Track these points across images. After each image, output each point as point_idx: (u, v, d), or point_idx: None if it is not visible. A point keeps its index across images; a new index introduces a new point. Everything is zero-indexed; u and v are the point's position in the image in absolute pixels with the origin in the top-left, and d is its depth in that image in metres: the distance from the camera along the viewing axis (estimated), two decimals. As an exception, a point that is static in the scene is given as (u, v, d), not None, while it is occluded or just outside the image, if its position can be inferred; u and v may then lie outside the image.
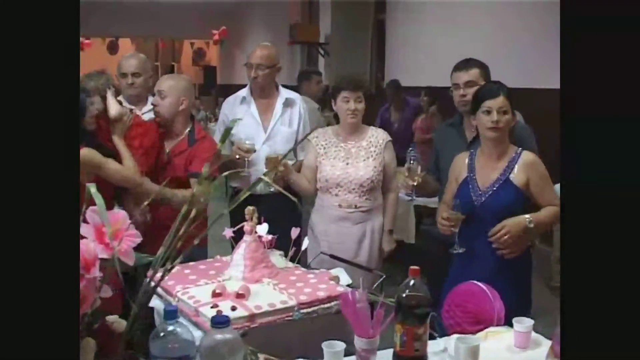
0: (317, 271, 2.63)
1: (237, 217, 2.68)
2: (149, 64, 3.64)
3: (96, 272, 1.26)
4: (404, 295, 1.74)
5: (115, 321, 1.44)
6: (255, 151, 3.39)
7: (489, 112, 2.65)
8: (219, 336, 1.35)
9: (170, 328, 1.35)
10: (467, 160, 2.81)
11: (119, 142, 2.96)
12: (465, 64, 3.09)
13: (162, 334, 1.34)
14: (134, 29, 16.05)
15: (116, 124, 2.97)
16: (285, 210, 2.89)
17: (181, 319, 2.24)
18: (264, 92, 3.66)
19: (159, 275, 1.41)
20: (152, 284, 1.40)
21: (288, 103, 3.69)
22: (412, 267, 1.78)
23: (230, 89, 3.70)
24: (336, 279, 2.53)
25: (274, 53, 3.65)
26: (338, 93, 3.26)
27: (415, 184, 2.89)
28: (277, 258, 2.71)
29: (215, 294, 2.30)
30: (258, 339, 2.12)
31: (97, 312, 1.33)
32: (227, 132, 1.45)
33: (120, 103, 3.08)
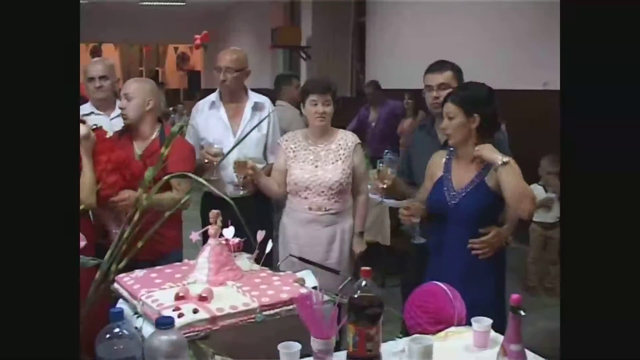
0: (282, 274, 2.64)
1: (207, 221, 2.68)
2: (114, 69, 3.68)
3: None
4: (355, 296, 1.76)
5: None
6: (223, 155, 3.41)
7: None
8: (163, 337, 1.37)
9: (116, 330, 1.37)
10: (444, 160, 2.83)
11: (85, 161, 2.94)
12: (439, 66, 3.11)
13: (107, 336, 1.35)
14: (118, 34, 16.02)
15: (83, 142, 2.96)
16: (255, 214, 2.90)
17: (145, 322, 2.30)
18: (233, 96, 3.68)
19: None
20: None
21: (257, 107, 3.72)
22: (363, 267, 1.80)
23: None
24: (301, 281, 2.54)
25: (242, 56, 3.68)
26: (306, 96, 3.28)
27: (384, 186, 2.91)
28: (244, 261, 2.72)
29: (178, 297, 2.30)
30: (220, 342, 2.14)
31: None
32: (174, 135, 1.46)
33: (83, 122, 3.06)
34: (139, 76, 19.78)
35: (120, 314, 1.40)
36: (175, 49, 18.79)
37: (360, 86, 9.64)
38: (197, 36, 11.40)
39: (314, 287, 2.53)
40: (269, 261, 2.79)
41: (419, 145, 3.22)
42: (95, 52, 17.28)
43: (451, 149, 2.84)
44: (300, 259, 2.99)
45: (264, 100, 3.80)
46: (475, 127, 2.69)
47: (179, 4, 13.83)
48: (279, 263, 2.97)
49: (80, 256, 1.35)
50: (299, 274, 2.62)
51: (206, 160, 3.38)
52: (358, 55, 10.15)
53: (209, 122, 3.69)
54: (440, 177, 2.80)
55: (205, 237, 2.67)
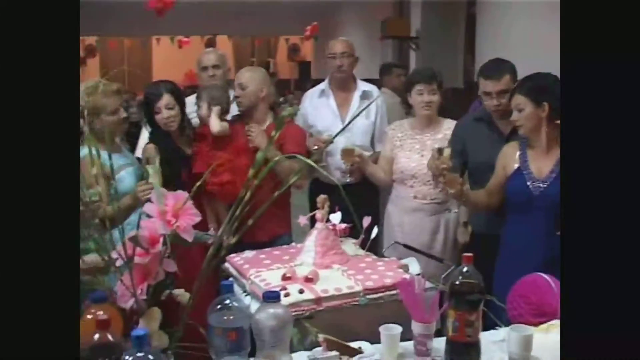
0: (386, 259, 2.69)
1: (315, 207, 2.78)
2: (226, 58, 3.84)
3: (159, 247, 1.37)
4: (456, 282, 1.78)
5: (180, 294, 1.56)
6: (332, 142, 3.48)
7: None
8: (270, 310, 1.44)
9: (227, 301, 1.45)
10: (517, 151, 2.81)
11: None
12: (496, 71, 3.03)
13: (218, 307, 1.44)
14: (231, 27, 16.47)
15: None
16: (362, 200, 2.95)
17: (253, 300, 2.41)
18: (342, 85, 3.76)
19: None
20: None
21: (366, 95, 3.78)
22: (465, 254, 1.81)
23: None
24: (405, 267, 2.58)
25: (352, 44, 3.78)
26: (412, 86, 3.30)
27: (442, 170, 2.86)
28: (349, 246, 2.79)
29: (285, 278, 2.41)
30: (324, 322, 2.22)
31: (161, 284, 1.46)
32: (283, 118, 1.53)
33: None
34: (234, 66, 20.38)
35: (230, 286, 1.49)
36: (286, 40, 19.10)
37: (470, 77, 9.48)
38: (308, 28, 11.55)
39: (418, 274, 2.56)
40: (374, 247, 2.85)
41: (476, 137, 3.16)
42: (210, 44, 17.82)
43: (522, 141, 2.81)
44: (406, 246, 3.01)
45: (372, 88, 3.85)
46: (545, 116, 2.67)
47: (290, -4, 14.06)
48: (384, 249, 3.01)
49: (195, 231, 1.44)
50: (404, 261, 2.66)
51: (315, 147, 3.47)
52: (468, 46, 9.98)
53: (318, 110, 3.78)
54: (517, 168, 2.78)
55: (313, 221, 2.76)
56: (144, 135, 3.40)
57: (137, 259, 1.39)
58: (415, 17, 11.06)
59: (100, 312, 1.39)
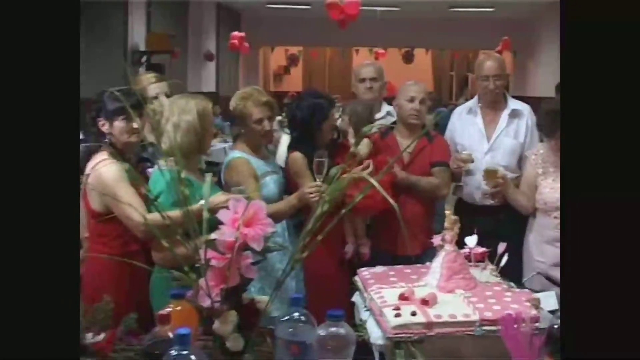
0: (517, 290, 2.52)
1: (461, 227, 2.69)
2: (384, 72, 3.82)
3: (233, 253, 1.41)
4: (555, 325, 1.62)
5: (261, 300, 1.59)
6: (472, 161, 3.36)
7: None
8: (332, 329, 1.42)
9: (295, 314, 1.45)
10: None
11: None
12: None
13: (286, 318, 1.45)
14: (429, 40, 16.44)
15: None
16: (504, 224, 2.81)
17: (370, 317, 2.38)
18: (492, 103, 3.60)
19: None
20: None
21: (515, 114, 3.58)
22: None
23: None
24: (536, 301, 2.40)
25: (504, 62, 3.63)
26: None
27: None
28: (481, 272, 2.66)
29: (402, 297, 2.35)
30: (434, 348, 2.14)
31: (237, 288, 1.49)
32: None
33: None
34: (449, 81, 20.12)
35: (300, 299, 1.49)
36: (486, 55, 18.68)
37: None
38: (499, 43, 11.25)
39: (553, 311, 2.37)
40: (518, 275, 2.69)
41: None
42: (407, 57, 17.92)
43: None
44: (548, 278, 2.83)
45: (524, 107, 3.64)
46: None
47: (488, 9, 13.72)
48: (524, 280, 2.84)
49: (270, 242, 1.47)
50: (540, 295, 2.48)
51: (455, 166, 3.37)
52: None
53: (465, 127, 3.66)
54: None
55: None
56: (284, 140, 3.50)
57: (213, 262, 1.44)
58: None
59: (178, 308, 1.46)
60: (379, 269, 2.76)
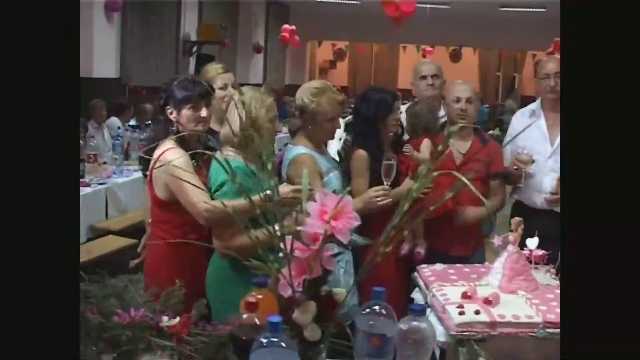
0: (579, 294, 2.52)
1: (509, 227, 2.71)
2: (443, 70, 3.83)
3: (318, 245, 1.45)
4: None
5: (339, 292, 1.63)
6: (533, 162, 3.34)
7: None
8: (414, 323, 1.45)
9: (376, 307, 1.49)
10: None
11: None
12: None
13: (367, 311, 1.48)
14: (477, 39, 16.30)
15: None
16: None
17: (432, 314, 2.40)
18: (555, 105, 3.56)
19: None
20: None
21: None
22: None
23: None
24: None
25: None
26: None
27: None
28: (543, 275, 2.65)
29: (465, 296, 2.36)
30: (496, 347, 2.15)
31: (318, 279, 1.53)
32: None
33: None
34: (496, 81, 19.89)
35: (382, 293, 1.51)
36: (533, 55, 18.45)
37: None
38: (551, 44, 11.09)
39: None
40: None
41: None
42: (455, 56, 17.81)
43: None
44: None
45: None
46: None
47: (539, 10, 13.54)
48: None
49: (354, 235, 1.50)
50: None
51: (515, 167, 3.36)
52: None
53: (529, 131, 3.62)
54: None
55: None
56: (338, 133, 3.51)
57: (297, 253, 1.48)
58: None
59: (260, 296, 1.50)
60: (438, 266, 2.77)
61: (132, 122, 8.16)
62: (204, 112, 2.72)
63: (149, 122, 8.29)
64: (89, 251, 4.78)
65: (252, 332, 1.37)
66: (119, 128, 7.31)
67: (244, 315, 1.43)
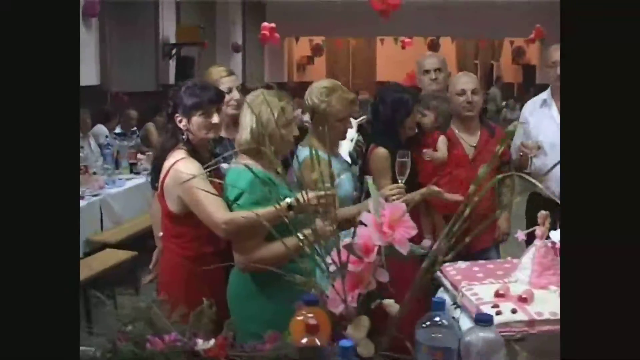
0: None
1: (532, 221, 2.65)
2: (447, 63, 3.81)
3: (373, 257, 1.37)
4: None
5: (390, 305, 1.56)
6: (539, 148, 3.30)
7: None
8: (481, 334, 1.38)
9: (436, 319, 1.42)
10: None
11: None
12: None
13: (427, 323, 1.41)
14: (454, 29, 16.31)
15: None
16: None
17: (462, 314, 2.34)
18: None
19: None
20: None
21: None
22: None
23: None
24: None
25: None
26: None
27: None
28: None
29: (498, 294, 2.30)
30: (536, 346, 2.10)
31: (373, 293, 1.46)
32: (511, 134, 1.46)
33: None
34: (473, 70, 20.04)
35: (442, 303, 1.45)
36: (511, 43, 18.51)
37: None
38: (532, 31, 11.10)
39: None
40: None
41: None
42: (433, 46, 17.79)
43: None
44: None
45: None
46: None
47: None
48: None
49: (410, 244, 1.43)
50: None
51: (521, 154, 3.32)
52: None
53: (540, 121, 3.58)
54: None
55: (529, 237, 2.63)
56: (350, 134, 3.45)
57: (350, 267, 1.41)
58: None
59: (311, 315, 1.42)
60: (462, 264, 2.71)
61: (117, 130, 8.01)
62: (215, 119, 2.61)
63: (134, 128, 8.16)
64: (89, 267, 4.65)
65: (314, 355, 1.30)
66: (107, 137, 7.18)
67: (304, 339, 1.35)
